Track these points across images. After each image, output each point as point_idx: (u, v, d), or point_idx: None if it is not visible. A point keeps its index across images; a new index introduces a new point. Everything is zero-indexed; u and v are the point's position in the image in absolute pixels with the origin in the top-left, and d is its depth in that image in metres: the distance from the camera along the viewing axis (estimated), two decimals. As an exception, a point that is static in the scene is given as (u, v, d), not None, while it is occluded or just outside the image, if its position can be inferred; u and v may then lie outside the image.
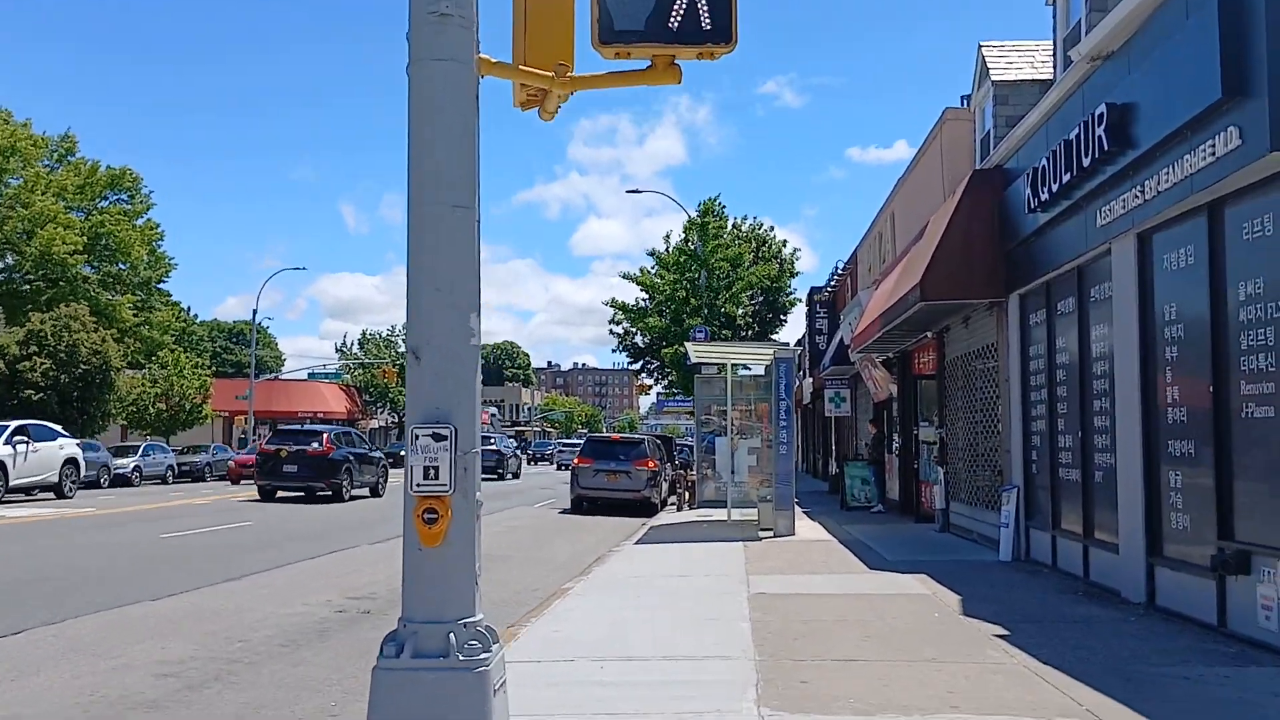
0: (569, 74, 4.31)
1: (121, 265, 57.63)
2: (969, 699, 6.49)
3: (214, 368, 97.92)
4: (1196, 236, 8.63)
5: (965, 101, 19.60)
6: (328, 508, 25.62)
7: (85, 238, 51.97)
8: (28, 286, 52.50)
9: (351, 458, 28.52)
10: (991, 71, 16.06)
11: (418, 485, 3.96)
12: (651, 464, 26.26)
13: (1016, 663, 7.54)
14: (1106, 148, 9.55)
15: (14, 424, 27.81)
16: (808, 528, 19.27)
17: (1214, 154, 7.83)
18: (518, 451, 44.02)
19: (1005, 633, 8.61)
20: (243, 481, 37.89)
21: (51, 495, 28.36)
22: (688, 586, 11.72)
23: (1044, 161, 11.54)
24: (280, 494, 28.18)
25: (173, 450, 48.58)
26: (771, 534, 17.77)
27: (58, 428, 30.66)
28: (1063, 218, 11.49)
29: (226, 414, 68.42)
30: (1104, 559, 10.75)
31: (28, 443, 27.40)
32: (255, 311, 64.34)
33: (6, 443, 26.65)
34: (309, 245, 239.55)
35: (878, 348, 21.32)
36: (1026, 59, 16.27)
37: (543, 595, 11.99)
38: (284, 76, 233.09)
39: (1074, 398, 11.61)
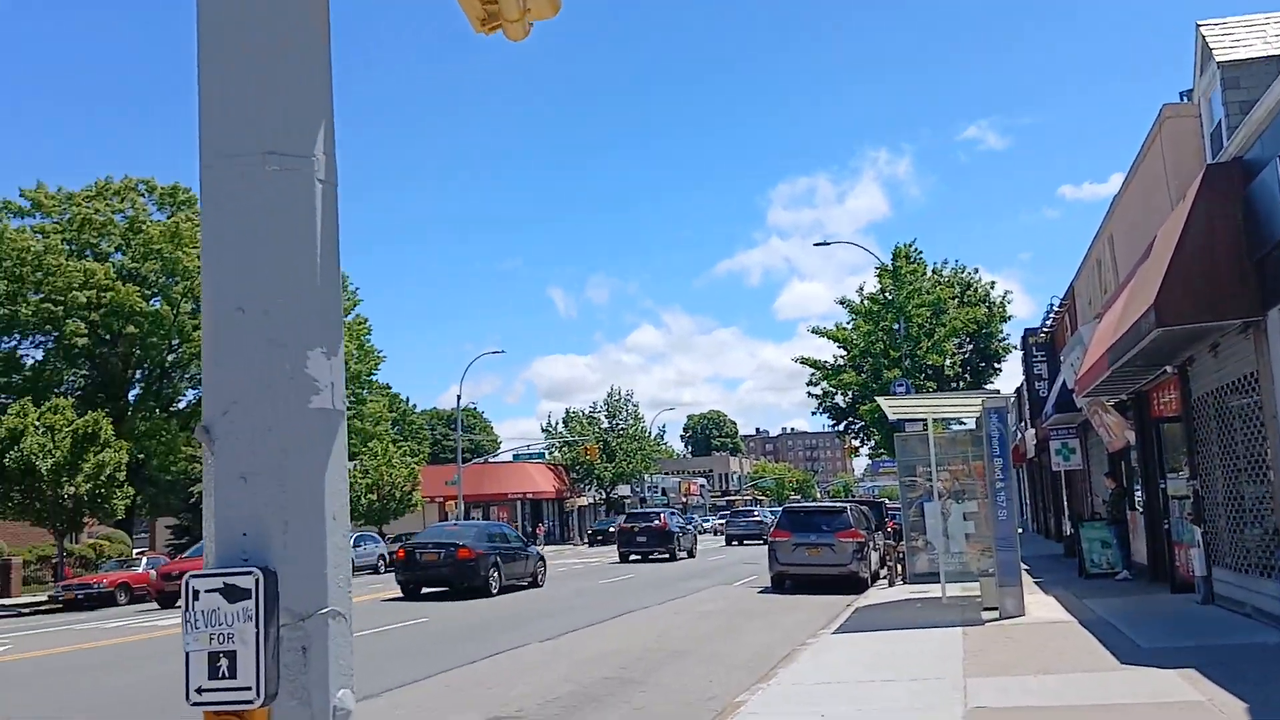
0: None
1: (335, 361, 59.64)
2: None
3: (432, 454, 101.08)
4: None
5: (1185, 97, 16.92)
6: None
7: (296, 337, 53.96)
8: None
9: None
10: (1215, 52, 13.49)
11: (199, 691, 2.14)
12: (857, 534, 23.96)
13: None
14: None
15: None
16: (1040, 603, 16.60)
17: None
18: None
19: (1325, 770, 6.19)
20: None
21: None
22: (888, 696, 9.60)
23: (1306, 136, 9.09)
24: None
25: (383, 539, 49.20)
26: (996, 614, 15.29)
27: None
28: (1339, 204, 8.97)
29: (440, 499, 69.44)
30: None
31: None
32: (459, 396, 65.12)
33: None
34: (522, 331, 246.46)
35: (1107, 389, 18.49)
36: (1256, 34, 13.62)
37: (717, 708, 10.16)
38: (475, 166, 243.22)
39: (1378, 435, 8.95)
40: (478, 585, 24.72)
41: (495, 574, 25.38)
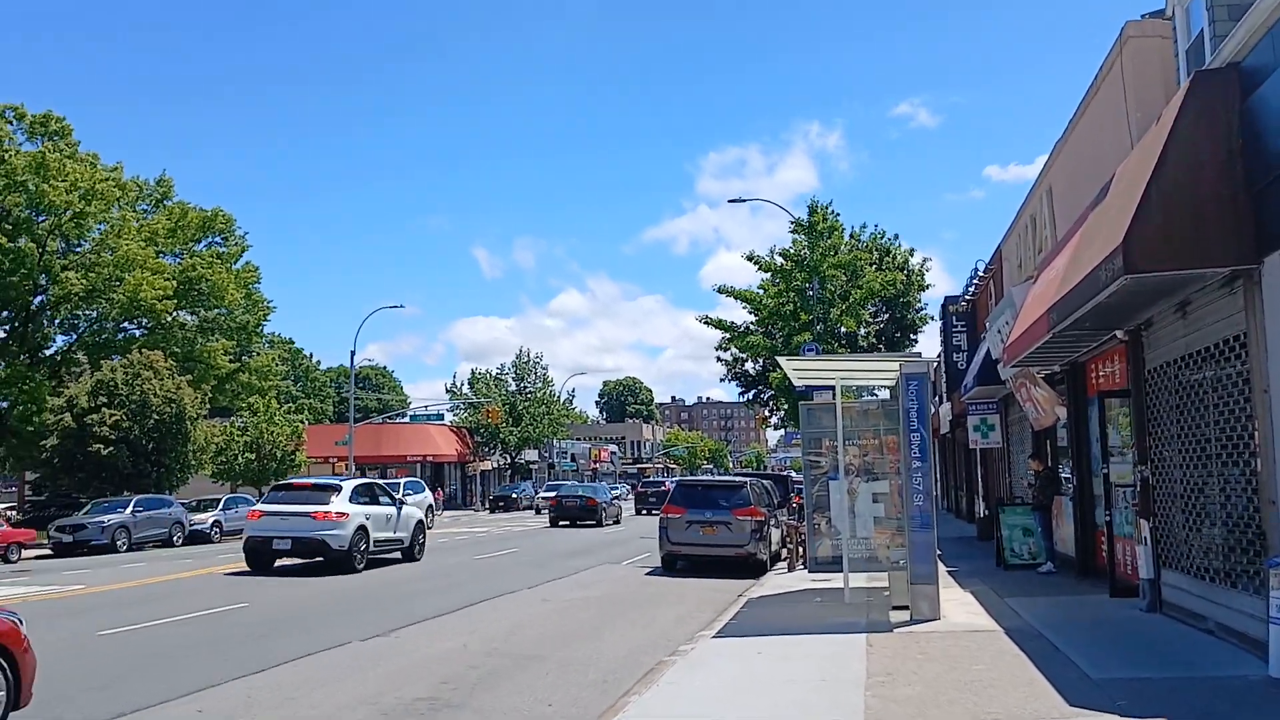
0: None
1: (220, 310, 55.27)
2: None
3: (337, 412, 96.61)
4: None
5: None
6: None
7: (175, 283, 49.49)
8: (121, 336, 50.54)
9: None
10: (1204, -54, 11.05)
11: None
12: (756, 512, 21.55)
13: None
14: None
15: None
16: (956, 601, 14.31)
17: None
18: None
19: None
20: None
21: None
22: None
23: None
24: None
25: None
26: (907, 616, 12.95)
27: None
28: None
29: (332, 459, 65.74)
30: None
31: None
32: (353, 352, 61.42)
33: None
34: (445, 291, 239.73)
35: (1040, 358, 16.21)
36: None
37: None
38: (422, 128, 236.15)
39: None
40: (597, 519, 41.78)
41: (604, 513, 42.48)
